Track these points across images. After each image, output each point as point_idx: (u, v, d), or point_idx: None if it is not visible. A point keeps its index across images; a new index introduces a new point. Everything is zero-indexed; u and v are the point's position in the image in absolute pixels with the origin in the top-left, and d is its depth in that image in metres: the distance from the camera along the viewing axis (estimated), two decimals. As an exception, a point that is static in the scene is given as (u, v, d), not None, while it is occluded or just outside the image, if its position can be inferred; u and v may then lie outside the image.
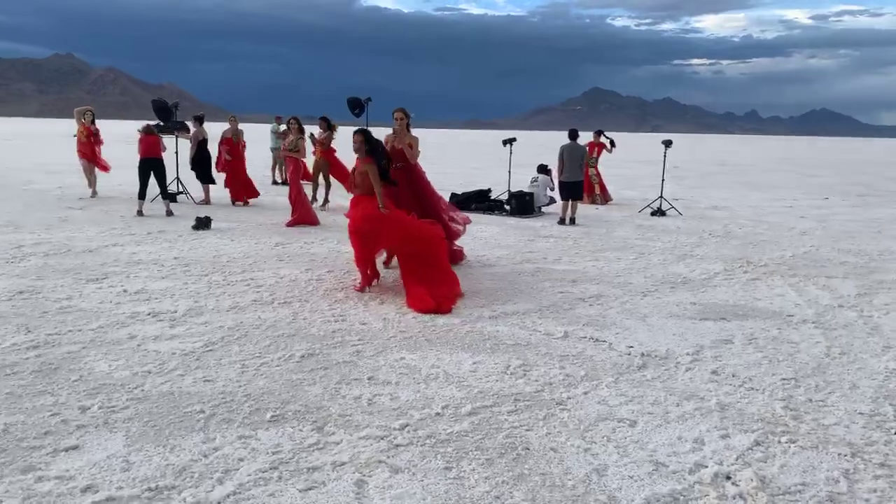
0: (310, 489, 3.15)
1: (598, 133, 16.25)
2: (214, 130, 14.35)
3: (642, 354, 5.15)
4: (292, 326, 5.62)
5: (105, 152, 14.46)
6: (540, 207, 13.73)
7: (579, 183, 12.22)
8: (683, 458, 3.54)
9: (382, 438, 3.67)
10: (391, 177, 6.94)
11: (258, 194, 13.78)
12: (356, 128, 6.99)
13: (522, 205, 13.10)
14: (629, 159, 34.34)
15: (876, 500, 3.19)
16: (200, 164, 13.48)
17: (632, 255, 9.27)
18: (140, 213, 11.49)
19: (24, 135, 52.69)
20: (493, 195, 14.30)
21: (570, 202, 12.05)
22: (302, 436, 3.68)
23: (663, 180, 14.41)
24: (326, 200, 13.42)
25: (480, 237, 10.22)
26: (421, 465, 3.40)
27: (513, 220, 12.46)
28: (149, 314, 5.85)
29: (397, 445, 3.60)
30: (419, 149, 7.84)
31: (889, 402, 4.34)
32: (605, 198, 15.52)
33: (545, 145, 43.28)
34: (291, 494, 3.11)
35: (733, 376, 4.75)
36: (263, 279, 7.24)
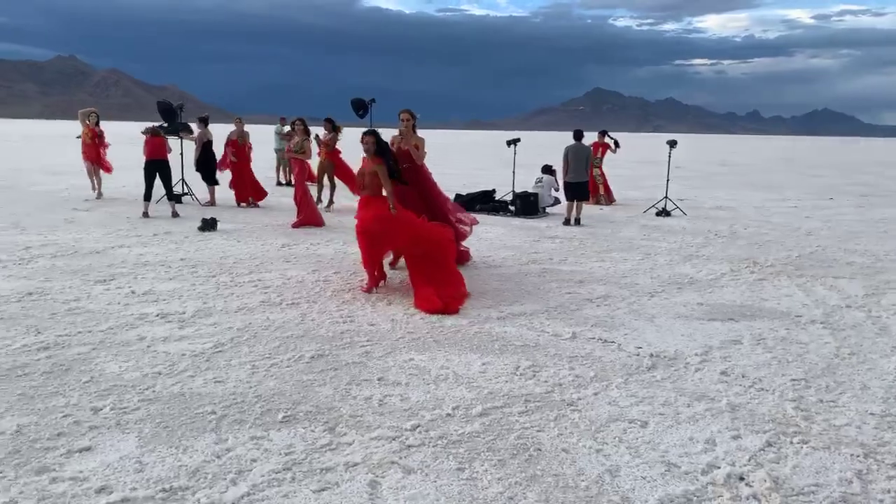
0: (323, 490, 3.16)
1: (603, 133, 16.24)
2: (218, 132, 14.36)
3: (651, 355, 5.15)
4: (301, 327, 5.63)
5: (109, 154, 14.49)
6: (544, 208, 13.73)
7: (584, 183, 12.22)
8: (696, 459, 3.54)
9: (394, 439, 3.67)
10: (400, 176, 6.95)
11: (266, 194, 13.79)
12: (364, 129, 6.99)
13: (527, 205, 13.11)
14: (632, 159, 34.33)
15: (890, 501, 3.18)
16: (205, 165, 13.52)
17: (638, 255, 9.27)
18: (146, 214, 11.51)
19: (27, 136, 52.83)
20: (498, 196, 14.31)
21: (575, 203, 12.05)
22: (314, 436, 3.69)
23: (668, 180, 14.39)
24: (331, 201, 13.44)
25: (486, 238, 10.22)
26: (434, 466, 3.40)
27: (517, 221, 12.46)
28: (157, 315, 5.86)
29: (409, 446, 3.60)
30: (425, 150, 7.84)
31: (900, 402, 4.34)
32: (609, 198, 15.51)
33: (546, 145, 43.32)
34: (305, 495, 3.11)
35: (743, 377, 4.75)
36: (271, 280, 7.25)
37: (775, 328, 5.95)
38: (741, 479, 3.35)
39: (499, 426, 3.87)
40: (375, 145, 6.68)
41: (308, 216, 11.10)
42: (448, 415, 4.00)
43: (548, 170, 14.72)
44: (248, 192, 13.45)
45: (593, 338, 5.56)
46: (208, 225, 10.35)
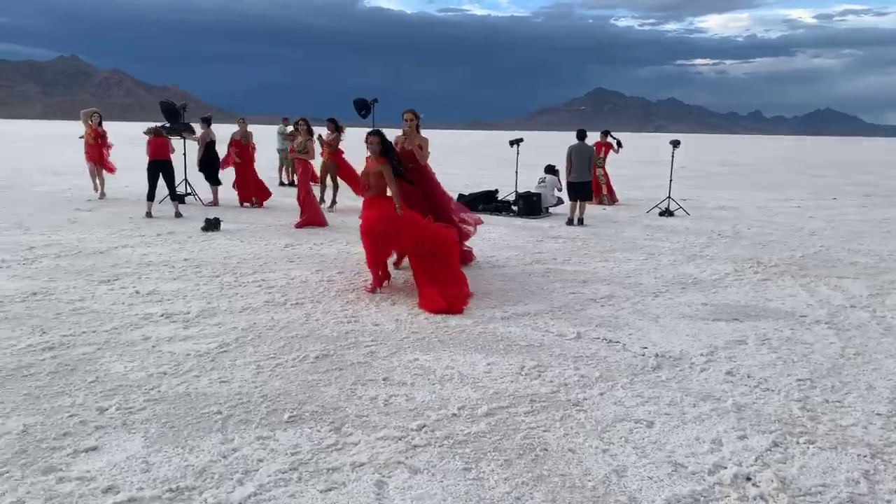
0: (330, 490, 3.16)
1: (605, 133, 16.24)
2: (220, 133, 14.36)
3: (656, 355, 5.14)
4: (305, 327, 5.63)
5: (111, 154, 14.49)
6: (547, 208, 13.73)
7: (588, 183, 12.21)
8: (702, 459, 3.53)
9: (400, 439, 3.67)
10: (405, 175, 6.96)
11: (270, 194, 13.77)
12: (368, 129, 6.99)
13: (530, 205, 13.10)
14: (634, 159, 34.31)
15: (897, 501, 3.18)
16: (208, 165, 13.53)
17: (641, 255, 9.26)
18: (149, 214, 11.52)
19: (29, 136, 52.90)
20: (500, 196, 14.31)
21: (578, 203, 12.05)
22: (320, 436, 3.68)
23: (671, 180, 14.38)
24: (334, 202, 13.44)
25: (489, 238, 10.22)
26: (440, 466, 3.40)
27: (520, 221, 12.46)
28: (162, 315, 5.86)
29: (415, 446, 3.60)
30: (429, 150, 7.84)
31: (906, 402, 4.33)
32: (611, 198, 15.50)
33: (547, 145, 43.33)
34: (312, 495, 3.11)
35: (748, 377, 4.74)
36: (275, 280, 7.25)
37: (780, 328, 5.95)
38: (748, 479, 3.34)
39: (505, 426, 3.86)
40: (380, 145, 6.68)
41: (311, 216, 11.11)
42: (454, 415, 4.00)
43: (551, 170, 14.71)
44: (252, 192, 13.45)
45: (598, 338, 5.55)
46: (212, 225, 10.36)
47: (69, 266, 7.66)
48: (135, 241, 9.30)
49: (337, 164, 13.35)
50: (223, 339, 5.26)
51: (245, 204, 13.40)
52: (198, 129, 13.75)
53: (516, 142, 15.25)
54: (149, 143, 11.53)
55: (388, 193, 6.74)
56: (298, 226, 10.97)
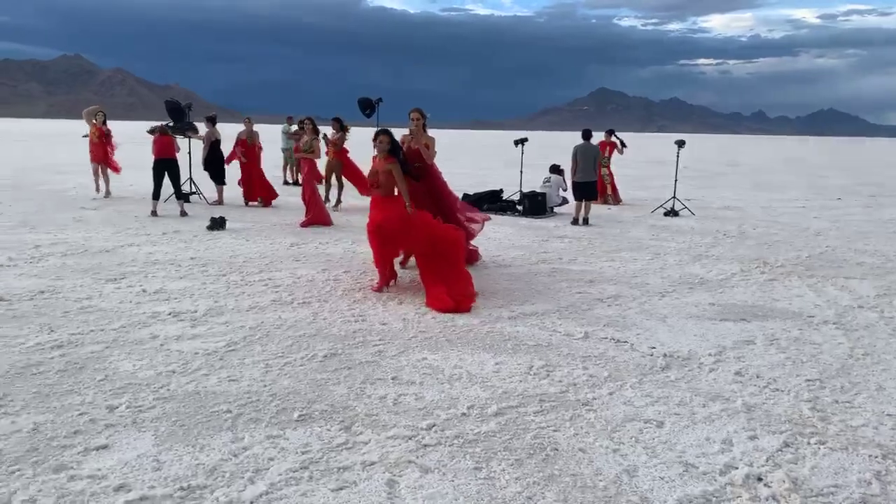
0: (341, 489, 3.16)
1: (610, 132, 16.23)
2: (226, 132, 14.37)
3: (665, 355, 5.13)
4: (313, 326, 5.63)
5: (116, 153, 14.51)
6: (552, 208, 13.72)
7: (593, 183, 12.20)
8: (713, 460, 3.52)
9: (410, 438, 3.67)
10: (413, 173, 6.99)
11: (277, 195, 13.72)
12: (377, 128, 7.00)
13: (535, 205, 13.09)
14: (638, 159, 34.26)
15: (910, 502, 3.17)
16: (213, 164, 13.53)
17: (647, 255, 9.25)
18: (154, 213, 11.53)
19: (33, 135, 53.03)
20: (505, 195, 14.30)
21: (583, 202, 12.03)
22: (330, 435, 3.68)
23: (676, 180, 14.36)
24: (339, 201, 13.45)
25: (494, 237, 10.21)
26: (451, 466, 3.39)
27: (525, 221, 12.45)
28: (169, 314, 5.86)
29: (426, 445, 3.60)
30: (435, 149, 7.83)
31: (916, 403, 4.32)
32: (615, 198, 15.48)
33: (550, 145, 43.33)
34: (324, 494, 3.11)
35: (757, 377, 4.73)
36: (281, 279, 7.25)
37: (788, 328, 5.94)
38: (759, 479, 3.33)
39: (514, 426, 3.86)
40: (389, 144, 6.69)
41: (316, 215, 11.11)
42: (463, 414, 4.00)
43: (556, 169, 14.70)
44: (257, 192, 13.44)
45: (606, 338, 5.55)
46: (217, 224, 10.37)
47: (76, 264, 7.67)
48: (140, 240, 9.31)
49: (342, 164, 13.36)
50: (231, 338, 5.26)
51: (250, 203, 13.40)
52: (202, 128, 13.77)
53: (521, 141, 15.23)
54: (154, 141, 11.53)
55: (396, 192, 6.74)
56: (303, 225, 10.97)
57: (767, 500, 3.16)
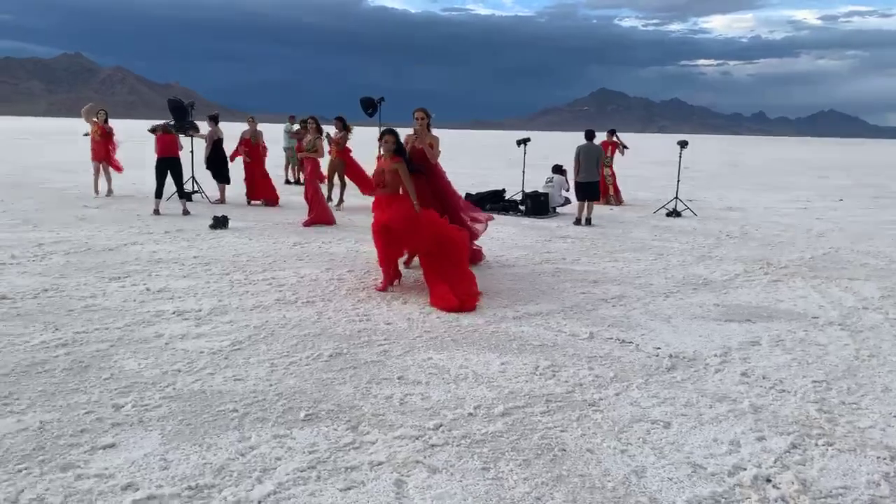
0: (349, 489, 3.15)
1: (612, 132, 16.23)
2: (227, 131, 14.35)
3: (670, 356, 5.13)
4: (318, 326, 5.62)
5: (117, 152, 14.48)
6: (555, 208, 13.71)
7: (596, 183, 12.19)
8: (721, 461, 3.52)
9: (417, 438, 3.66)
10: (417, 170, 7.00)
11: (279, 200, 13.49)
12: (376, 128, 7.00)
13: (537, 205, 13.09)
14: (640, 160, 34.24)
15: (920, 504, 3.16)
16: (216, 163, 13.52)
17: (650, 255, 9.24)
18: (157, 211, 11.52)
19: (34, 133, 53.01)
20: (507, 195, 14.29)
21: (586, 203, 12.02)
22: (337, 435, 3.68)
23: (678, 181, 14.35)
24: (341, 200, 13.44)
25: (497, 237, 10.20)
26: (458, 466, 3.39)
27: (528, 221, 12.44)
28: (174, 313, 5.85)
29: (433, 445, 3.59)
30: (439, 149, 7.82)
31: (923, 405, 4.31)
32: (617, 199, 15.47)
33: (551, 146, 43.29)
34: (332, 494, 3.10)
35: (764, 378, 4.73)
36: (285, 278, 7.25)
37: (793, 330, 5.93)
38: (768, 480, 3.33)
39: (522, 426, 3.85)
40: (395, 144, 6.69)
41: (319, 214, 11.10)
42: (470, 414, 3.99)
43: (558, 170, 14.69)
44: (260, 193, 13.40)
45: (611, 338, 5.54)
46: (220, 223, 10.36)
47: (79, 263, 7.66)
48: (144, 239, 9.30)
49: (344, 163, 13.36)
50: (236, 337, 5.25)
51: (253, 202, 13.39)
52: (205, 127, 13.75)
53: (523, 142, 15.23)
54: (157, 140, 11.52)
55: (401, 192, 6.74)
56: (306, 224, 10.96)
57: (776, 501, 3.15)
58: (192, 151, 13.51)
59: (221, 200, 13.38)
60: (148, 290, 6.60)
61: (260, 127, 13.87)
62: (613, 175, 15.47)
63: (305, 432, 3.70)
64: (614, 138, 15.94)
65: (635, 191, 17.97)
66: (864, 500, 3.18)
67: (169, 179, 11.52)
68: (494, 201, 13.65)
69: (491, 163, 30.67)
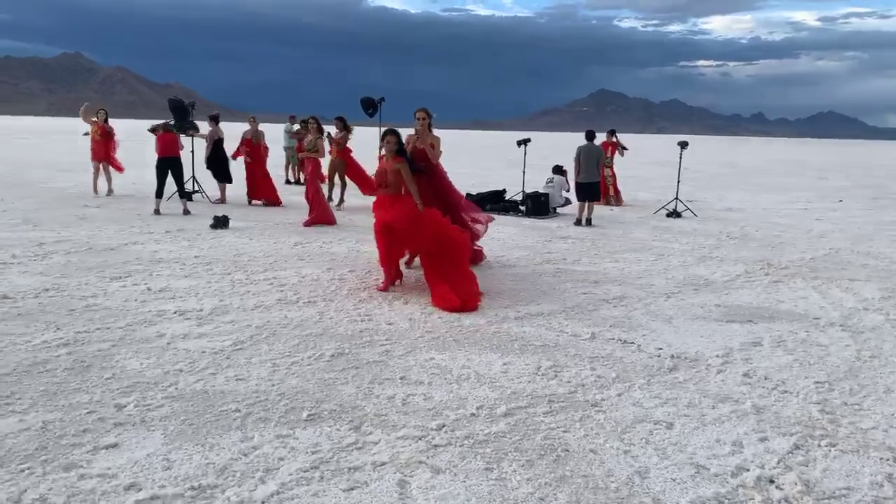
0: (353, 489, 3.15)
1: (612, 132, 16.23)
2: (228, 131, 14.34)
3: (672, 356, 5.13)
4: (319, 326, 5.62)
5: (117, 151, 14.47)
6: (555, 208, 13.71)
7: (596, 184, 12.19)
8: (724, 461, 3.52)
9: (420, 438, 3.66)
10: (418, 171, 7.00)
11: (280, 202, 13.42)
12: (377, 128, 6.99)
13: (538, 205, 13.08)
14: (639, 161, 34.25)
15: (923, 505, 3.16)
16: (216, 163, 13.51)
17: (651, 256, 9.24)
18: (157, 211, 11.51)
19: (34, 133, 52.97)
20: (508, 196, 14.28)
21: (586, 203, 12.02)
22: (340, 435, 3.67)
23: (679, 181, 14.35)
24: (342, 200, 13.44)
25: (498, 238, 10.20)
26: (462, 466, 3.38)
27: (528, 221, 12.44)
28: (175, 312, 5.85)
29: (436, 446, 3.59)
30: (440, 149, 7.82)
31: (926, 406, 4.31)
32: (617, 199, 15.47)
33: (550, 146, 43.28)
34: (335, 494, 3.10)
35: (766, 379, 4.73)
36: (286, 278, 7.24)
37: (794, 330, 5.93)
38: (771, 481, 3.33)
39: (524, 426, 3.85)
40: (397, 144, 6.69)
41: (320, 214, 11.09)
42: (472, 414, 3.99)
43: (559, 170, 14.69)
44: (261, 193, 13.39)
45: (612, 338, 5.54)
46: (220, 223, 10.35)
47: (80, 262, 7.65)
48: (144, 238, 9.30)
49: (345, 163, 13.35)
50: (237, 337, 5.25)
51: (255, 202, 13.38)
52: (205, 127, 13.74)
53: (524, 142, 15.23)
54: (157, 139, 11.51)
55: (403, 192, 6.73)
56: (307, 224, 10.95)
57: (780, 502, 3.15)
58: (192, 151, 13.51)
59: (222, 200, 13.37)
60: (149, 289, 6.60)
61: (260, 127, 13.86)
62: (614, 175, 15.47)
63: (308, 432, 3.70)
64: (614, 139, 15.94)
65: (635, 191, 17.98)
66: (868, 501, 3.18)
67: (169, 179, 11.51)
68: (495, 202, 13.65)
69: (491, 163, 30.67)
